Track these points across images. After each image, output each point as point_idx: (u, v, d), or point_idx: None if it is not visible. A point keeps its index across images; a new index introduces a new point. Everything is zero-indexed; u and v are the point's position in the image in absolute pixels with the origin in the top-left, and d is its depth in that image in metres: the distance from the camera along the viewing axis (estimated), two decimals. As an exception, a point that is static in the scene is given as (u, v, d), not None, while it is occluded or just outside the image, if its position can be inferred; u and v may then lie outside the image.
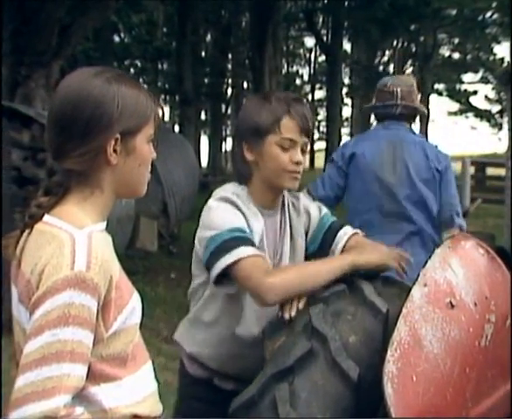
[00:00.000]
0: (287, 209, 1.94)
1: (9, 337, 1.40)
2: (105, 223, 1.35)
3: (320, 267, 1.70)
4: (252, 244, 1.72)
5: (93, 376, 1.24)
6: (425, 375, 1.45)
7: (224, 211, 1.77)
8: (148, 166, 1.38)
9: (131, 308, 1.31)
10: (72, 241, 1.21)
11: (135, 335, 1.36)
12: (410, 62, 32.34)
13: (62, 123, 1.27)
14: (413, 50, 29.46)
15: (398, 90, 3.07)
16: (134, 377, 1.34)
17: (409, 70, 32.61)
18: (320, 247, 1.95)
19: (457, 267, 1.74)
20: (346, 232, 1.93)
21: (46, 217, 1.29)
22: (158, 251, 9.14)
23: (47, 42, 7.96)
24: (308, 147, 1.93)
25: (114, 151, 1.29)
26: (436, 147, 3.17)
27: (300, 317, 1.61)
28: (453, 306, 1.60)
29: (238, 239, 1.70)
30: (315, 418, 1.46)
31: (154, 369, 1.44)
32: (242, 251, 1.67)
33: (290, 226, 1.93)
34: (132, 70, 28.00)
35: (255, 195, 1.88)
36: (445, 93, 35.83)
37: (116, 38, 23.26)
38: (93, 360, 1.24)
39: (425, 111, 3.36)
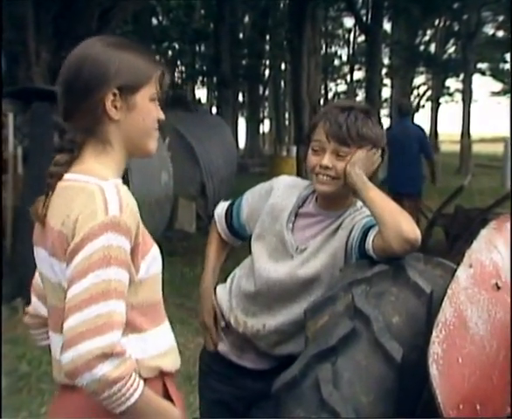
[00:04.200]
0: (344, 221, 1.85)
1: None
2: (121, 180, 1.41)
3: None
4: (236, 208, 2.09)
5: None
6: (471, 357, 1.43)
7: (260, 185, 2.07)
8: (155, 123, 1.44)
9: (152, 257, 1.38)
10: (102, 191, 1.29)
11: (160, 284, 1.43)
12: (452, 41, 31.55)
13: (67, 85, 1.39)
14: (456, 28, 28.64)
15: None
16: (156, 331, 1.41)
17: (451, 49, 31.91)
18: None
19: (503, 248, 1.70)
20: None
21: (69, 175, 1.36)
22: (196, 233, 9.21)
23: (88, 26, 8.06)
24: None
25: (115, 107, 1.36)
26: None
27: (343, 297, 1.61)
28: (498, 288, 1.57)
29: (235, 201, 2.12)
30: (358, 398, 1.46)
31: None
32: (221, 206, 2.17)
33: (332, 236, 1.85)
34: (170, 52, 28.11)
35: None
36: (488, 73, 34.84)
37: (154, 21, 23.36)
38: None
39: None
